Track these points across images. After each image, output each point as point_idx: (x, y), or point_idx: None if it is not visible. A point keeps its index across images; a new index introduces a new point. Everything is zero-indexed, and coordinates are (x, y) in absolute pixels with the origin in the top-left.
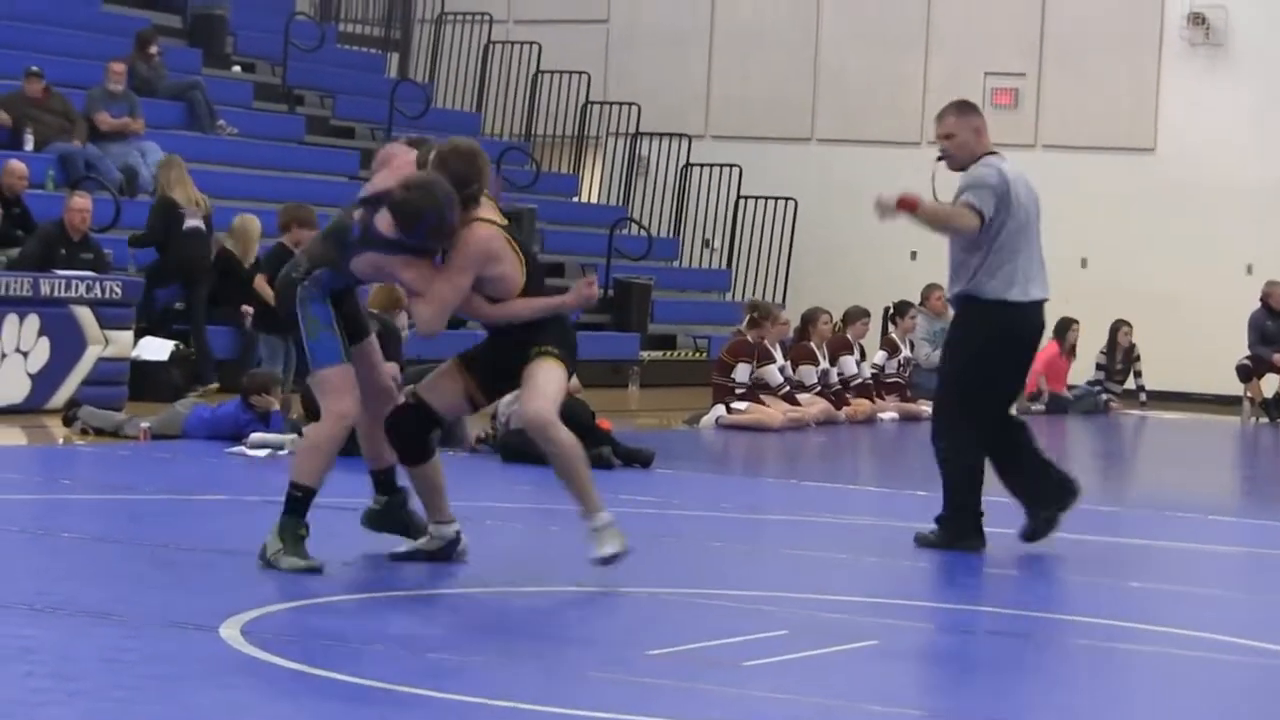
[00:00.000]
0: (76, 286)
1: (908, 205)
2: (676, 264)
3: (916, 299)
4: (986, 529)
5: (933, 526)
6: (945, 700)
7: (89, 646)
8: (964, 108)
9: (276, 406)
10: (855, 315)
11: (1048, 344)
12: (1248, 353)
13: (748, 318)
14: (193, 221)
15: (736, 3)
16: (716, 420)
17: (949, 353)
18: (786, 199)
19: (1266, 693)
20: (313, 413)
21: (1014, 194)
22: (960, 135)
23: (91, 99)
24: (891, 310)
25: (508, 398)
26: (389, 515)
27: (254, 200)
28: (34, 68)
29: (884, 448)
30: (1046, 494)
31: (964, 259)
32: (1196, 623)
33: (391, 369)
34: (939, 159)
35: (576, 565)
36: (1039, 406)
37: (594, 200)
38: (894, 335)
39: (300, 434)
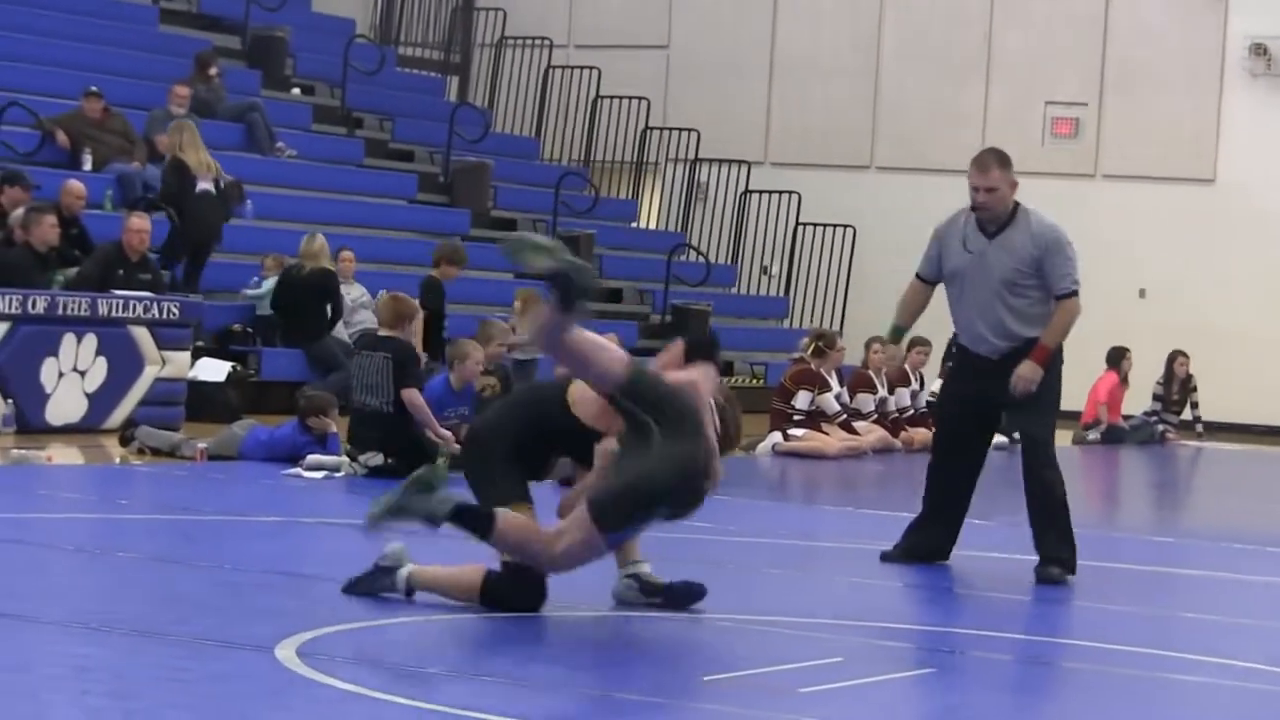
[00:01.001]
0: (134, 307)
1: (1042, 361)
2: (734, 290)
3: None
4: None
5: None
6: None
7: (145, 665)
8: (1005, 160)
9: (334, 429)
10: (914, 344)
11: (1106, 373)
12: None
13: (813, 346)
14: (203, 184)
15: (797, 30)
16: (773, 447)
17: (1042, 391)
18: (845, 226)
19: None
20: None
21: None
22: (1002, 189)
23: (153, 120)
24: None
25: None
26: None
27: (312, 223)
28: (93, 88)
29: None
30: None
31: (1035, 311)
32: (1253, 654)
33: (411, 395)
34: (973, 209)
35: None
36: (1094, 436)
37: (652, 226)
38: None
39: (353, 459)
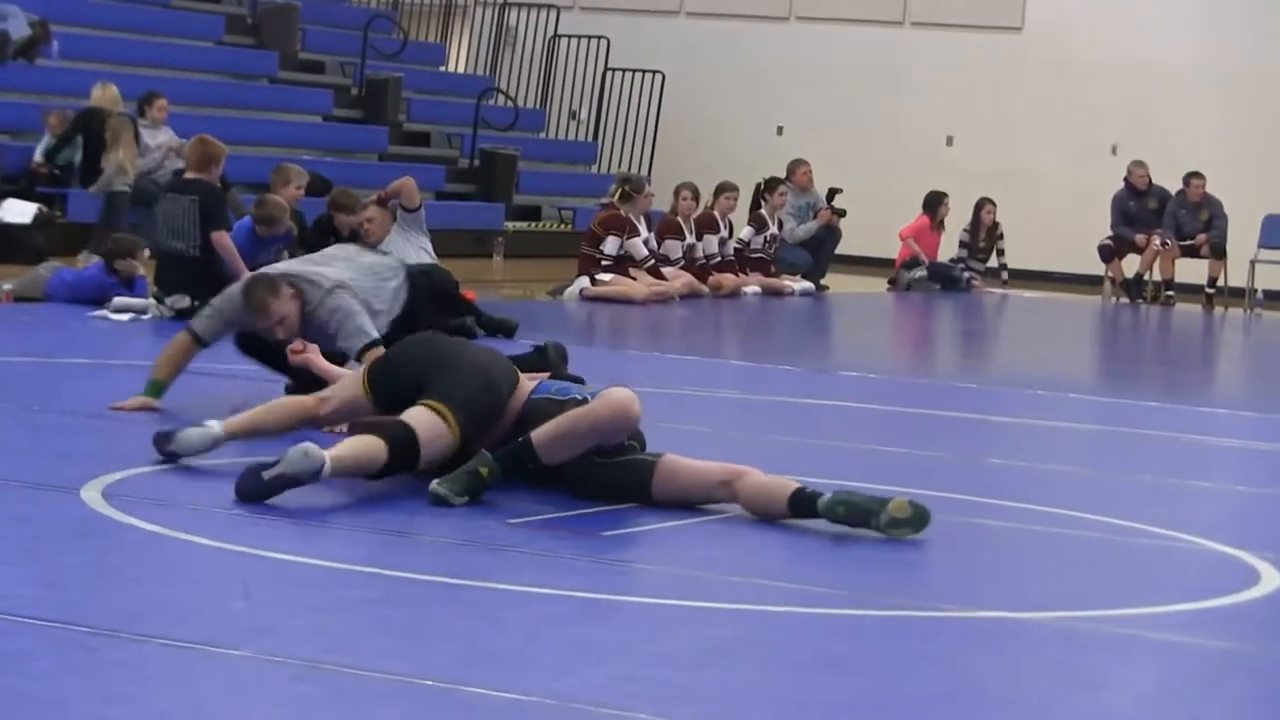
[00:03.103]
0: None
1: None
2: (543, 135)
3: (782, 173)
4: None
5: None
6: (807, 569)
7: None
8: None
9: (140, 271)
10: (722, 190)
11: (918, 217)
12: (1110, 233)
13: (619, 190)
14: None
15: None
16: (580, 292)
17: None
18: (654, 72)
19: (1116, 567)
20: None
21: None
22: (289, 318)
23: None
24: (762, 186)
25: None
26: None
27: (118, 64)
28: None
29: (747, 322)
30: None
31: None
32: (1053, 499)
33: (220, 238)
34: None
35: None
36: (921, 273)
37: (461, 70)
38: (763, 211)
39: (160, 301)
